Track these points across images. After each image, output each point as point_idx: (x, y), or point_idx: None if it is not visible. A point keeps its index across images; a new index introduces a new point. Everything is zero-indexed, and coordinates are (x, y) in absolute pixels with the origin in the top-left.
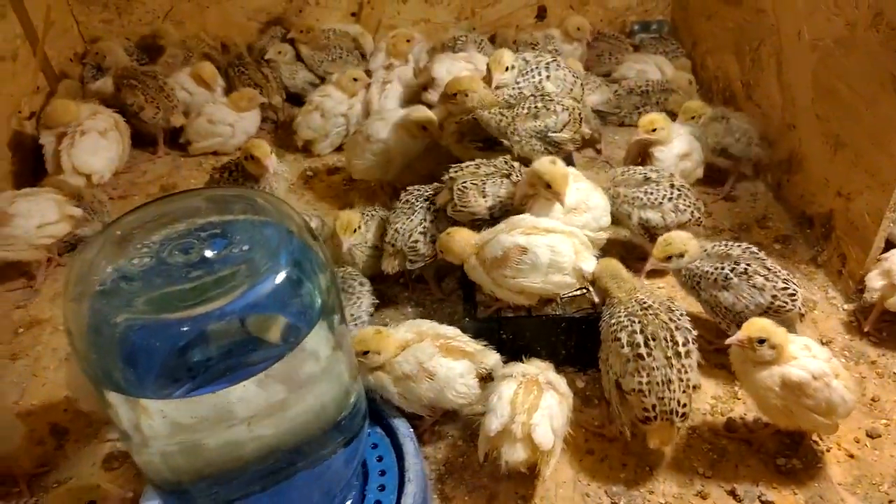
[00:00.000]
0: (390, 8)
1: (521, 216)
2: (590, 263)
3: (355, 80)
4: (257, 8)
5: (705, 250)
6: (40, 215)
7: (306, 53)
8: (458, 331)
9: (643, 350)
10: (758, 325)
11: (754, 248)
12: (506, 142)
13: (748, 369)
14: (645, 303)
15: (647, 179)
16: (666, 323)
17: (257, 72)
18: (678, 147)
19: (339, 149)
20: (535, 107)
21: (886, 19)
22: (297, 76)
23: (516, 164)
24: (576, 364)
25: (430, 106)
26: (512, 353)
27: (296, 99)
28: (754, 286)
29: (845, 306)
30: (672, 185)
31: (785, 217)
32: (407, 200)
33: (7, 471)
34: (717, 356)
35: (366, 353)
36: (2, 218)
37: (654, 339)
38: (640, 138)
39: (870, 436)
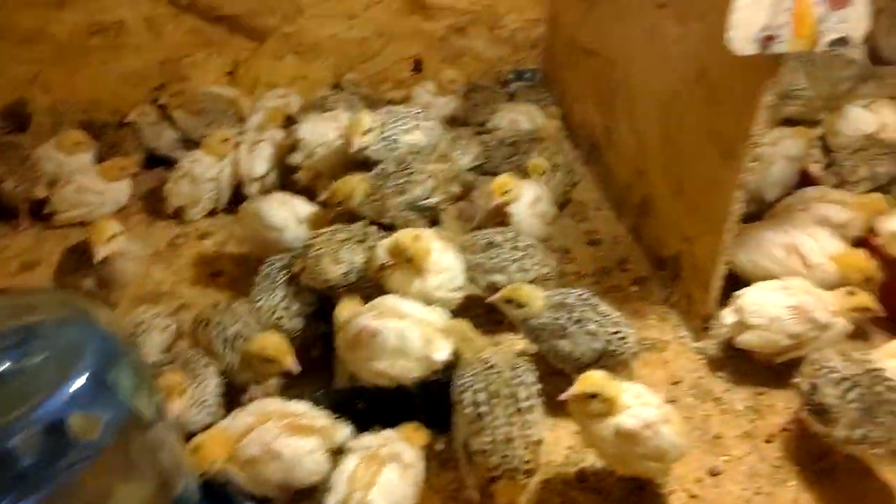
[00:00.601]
0: (267, 66)
1: (387, 297)
2: (442, 353)
3: (225, 140)
4: (130, 71)
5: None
6: None
7: (180, 118)
8: (307, 406)
9: (484, 409)
10: (589, 381)
11: (587, 295)
12: (384, 221)
13: (584, 421)
14: (489, 362)
15: (490, 245)
16: (508, 380)
17: (115, 133)
18: (527, 196)
19: (210, 213)
20: (399, 183)
21: (709, 77)
22: (163, 137)
23: (371, 228)
24: (434, 427)
25: (297, 168)
26: (369, 421)
27: (165, 161)
28: (588, 332)
29: (694, 345)
30: (515, 248)
31: (642, 259)
32: (267, 274)
33: None
34: None
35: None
36: None
37: (495, 398)
38: (496, 203)
39: (711, 474)
